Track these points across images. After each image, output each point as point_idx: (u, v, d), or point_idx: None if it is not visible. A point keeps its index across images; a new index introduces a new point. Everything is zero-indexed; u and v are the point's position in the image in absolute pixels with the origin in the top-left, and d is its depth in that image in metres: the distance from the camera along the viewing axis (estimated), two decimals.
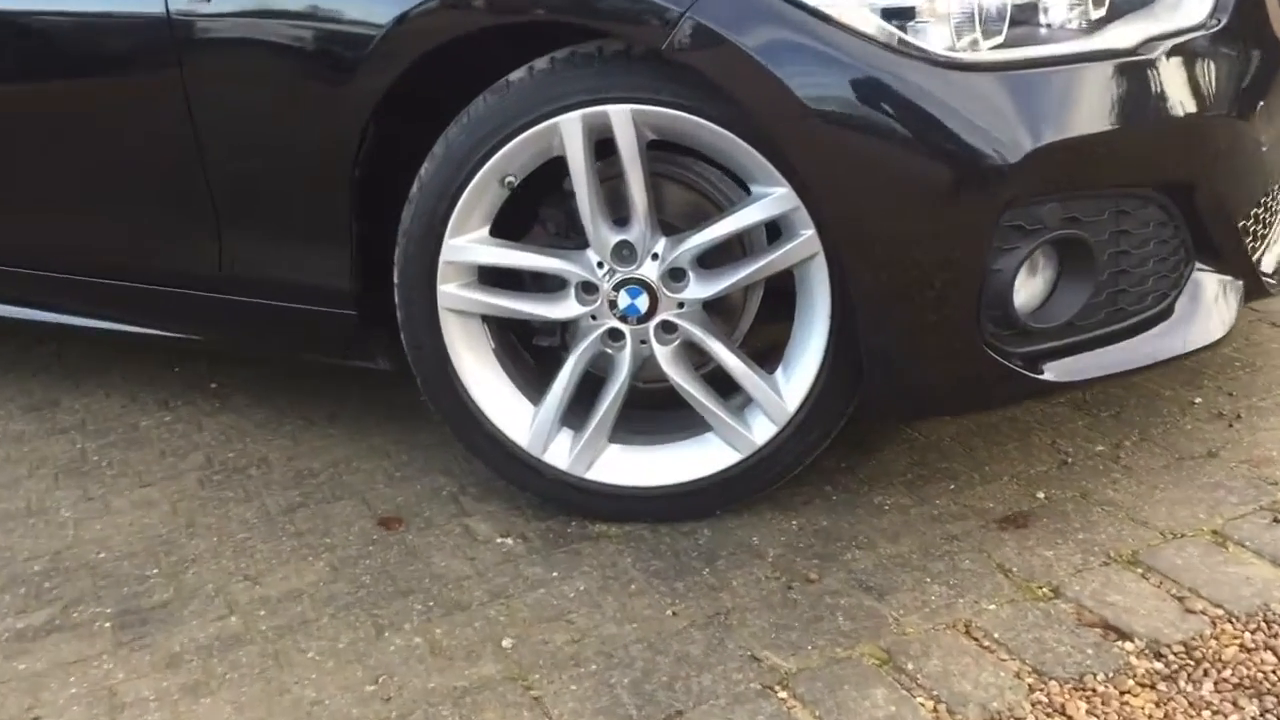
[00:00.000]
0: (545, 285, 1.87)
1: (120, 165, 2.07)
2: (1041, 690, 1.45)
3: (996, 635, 1.55)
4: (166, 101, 1.92)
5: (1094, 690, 1.44)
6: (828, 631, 1.59)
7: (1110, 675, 1.47)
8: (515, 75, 1.73)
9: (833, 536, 1.80)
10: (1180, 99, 1.64)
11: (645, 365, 1.82)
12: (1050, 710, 1.42)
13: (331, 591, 1.76)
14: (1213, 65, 1.68)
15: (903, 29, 1.55)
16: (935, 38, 1.55)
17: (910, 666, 1.51)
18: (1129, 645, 1.51)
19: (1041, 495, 1.85)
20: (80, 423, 2.33)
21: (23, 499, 2.08)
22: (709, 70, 1.58)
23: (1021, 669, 1.49)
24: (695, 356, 1.83)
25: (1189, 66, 1.65)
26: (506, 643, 1.63)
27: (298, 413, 2.31)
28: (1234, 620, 1.54)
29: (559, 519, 1.89)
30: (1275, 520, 1.73)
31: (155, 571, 1.84)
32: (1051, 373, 1.66)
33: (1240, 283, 1.82)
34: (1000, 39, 1.58)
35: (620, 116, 1.68)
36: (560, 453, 1.86)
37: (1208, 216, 1.72)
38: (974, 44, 1.55)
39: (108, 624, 1.73)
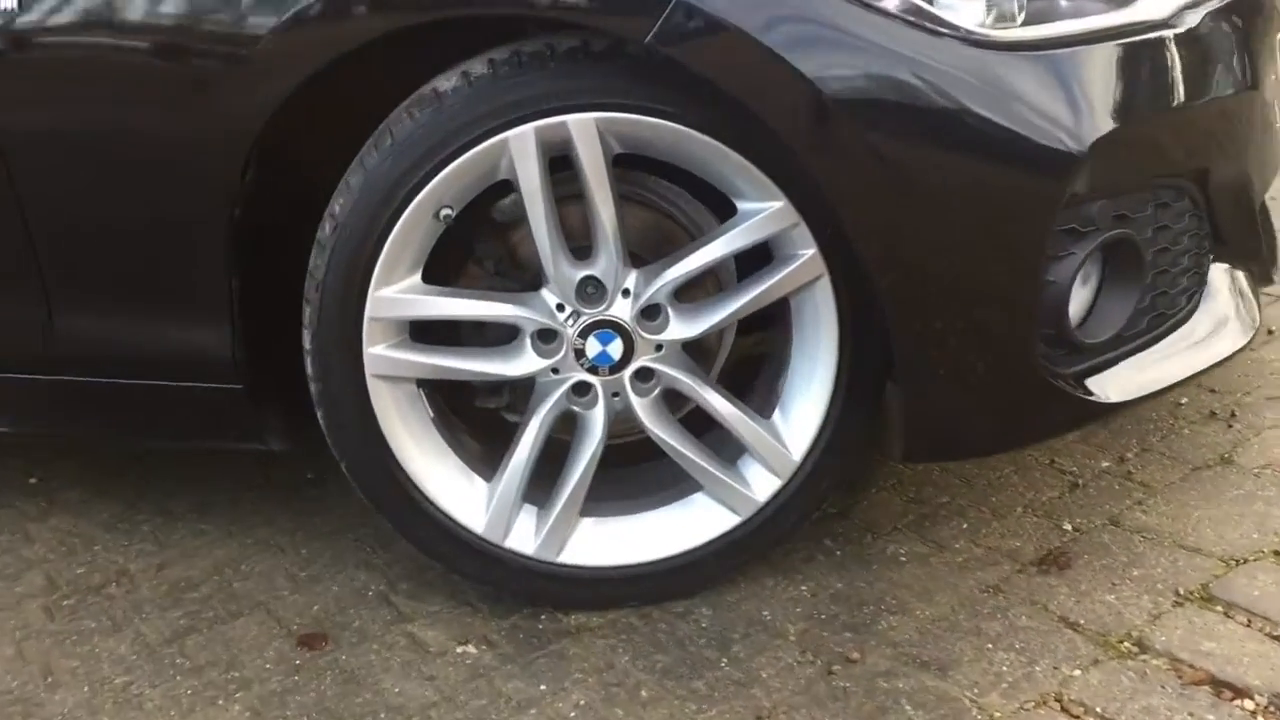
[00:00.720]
0: (489, 336, 1.55)
1: None
2: None
3: (1098, 709, 1.32)
4: None
5: None
6: None
7: None
8: (445, 84, 1.40)
9: (855, 601, 1.54)
10: (1219, 72, 1.45)
11: (616, 420, 1.53)
12: None
13: None
14: (1236, 35, 1.50)
15: (930, 3, 1.30)
16: (967, 14, 1.31)
17: None
18: (1249, 704, 1.31)
19: (1069, 527, 1.64)
20: None
21: None
22: (704, 64, 1.29)
23: None
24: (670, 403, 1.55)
25: (1221, 36, 1.46)
26: None
27: (153, 506, 1.90)
28: None
29: (523, 613, 1.58)
30: None
31: None
32: (1105, 393, 1.45)
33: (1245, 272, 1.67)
34: (1022, 15, 1.36)
35: (582, 127, 1.37)
36: (525, 536, 1.54)
37: (1231, 202, 1.55)
38: (1007, 19, 1.32)
39: None
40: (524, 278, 1.53)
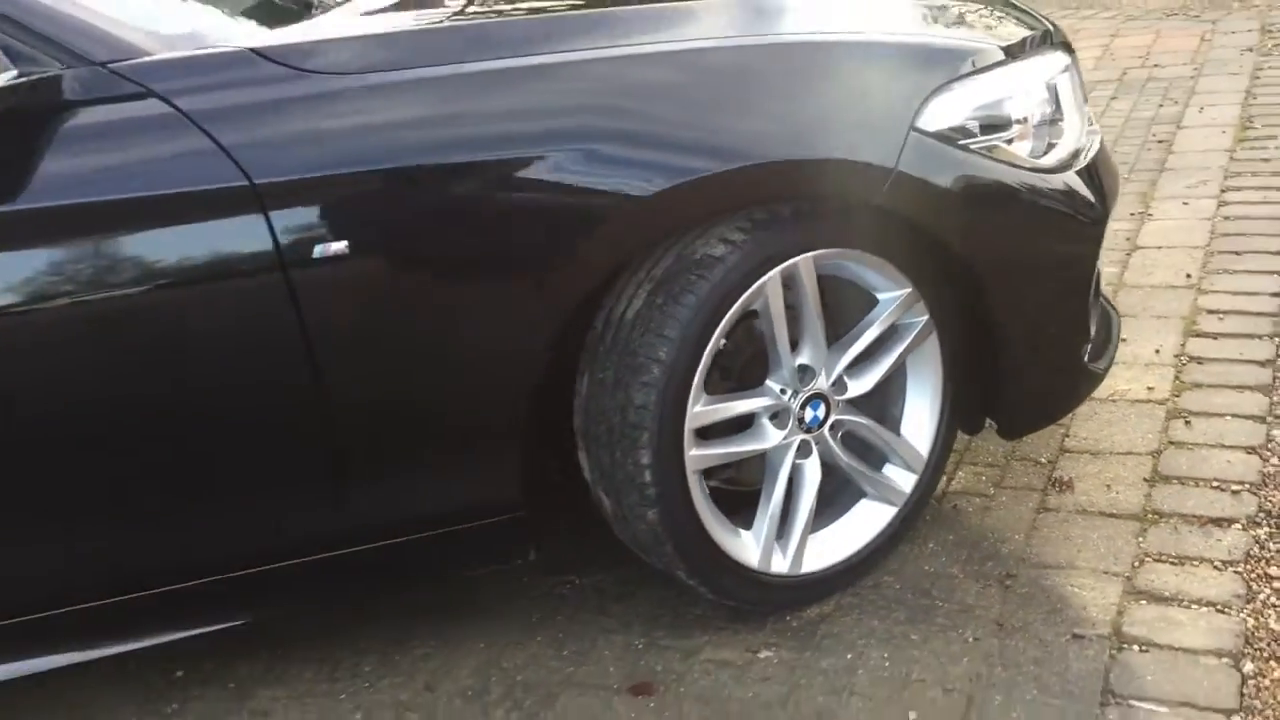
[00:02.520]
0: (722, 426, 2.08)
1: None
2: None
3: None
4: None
5: None
6: None
7: None
8: (714, 250, 1.92)
9: (971, 544, 2.27)
10: None
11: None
12: None
13: None
14: None
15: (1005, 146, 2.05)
16: (1022, 151, 2.07)
17: None
18: None
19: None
20: None
21: None
22: (908, 209, 1.95)
23: None
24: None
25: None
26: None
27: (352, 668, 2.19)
28: None
29: (773, 620, 2.13)
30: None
31: None
32: (1099, 366, 2.29)
33: None
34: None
35: (806, 264, 1.97)
36: (778, 562, 2.10)
37: None
38: (1038, 155, 2.10)
39: None
40: (744, 378, 2.07)
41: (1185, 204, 3.72)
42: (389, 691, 2.08)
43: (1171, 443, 2.50)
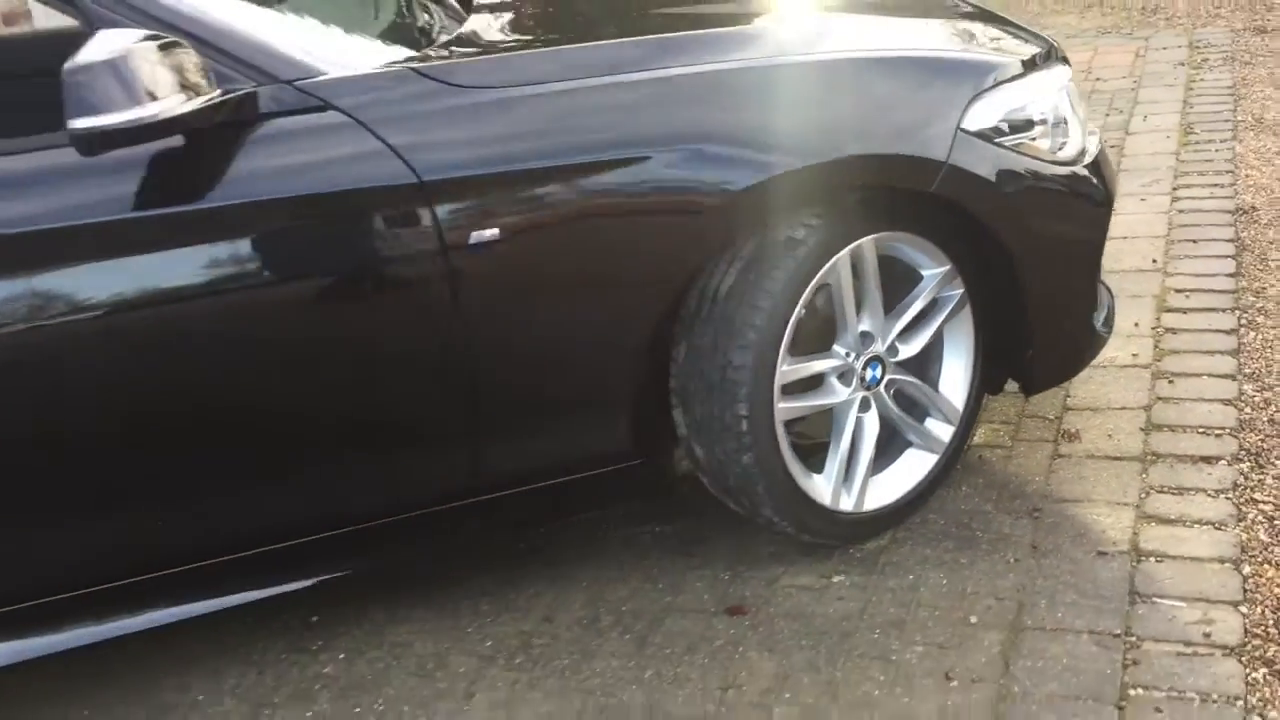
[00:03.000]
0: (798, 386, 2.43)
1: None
2: None
3: None
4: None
5: None
6: None
7: None
8: (795, 232, 2.27)
9: (996, 483, 2.64)
10: None
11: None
12: None
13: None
14: None
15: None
16: (1045, 147, 2.46)
17: None
18: None
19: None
20: None
21: None
22: (957, 196, 2.32)
23: None
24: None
25: None
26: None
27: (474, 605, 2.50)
28: None
29: (836, 552, 2.48)
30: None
31: None
32: (1102, 330, 2.68)
33: None
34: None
35: (869, 244, 2.34)
36: (845, 501, 2.45)
37: None
38: (1055, 150, 2.49)
39: None
40: (813, 344, 2.42)
41: (1143, 200, 4.15)
42: (511, 624, 2.40)
43: (1159, 399, 2.90)
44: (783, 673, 2.17)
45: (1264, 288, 3.41)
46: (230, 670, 2.35)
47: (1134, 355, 3.10)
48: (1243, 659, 2.06)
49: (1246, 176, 4.27)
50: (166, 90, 1.86)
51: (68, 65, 1.79)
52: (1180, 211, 4.02)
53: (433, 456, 2.24)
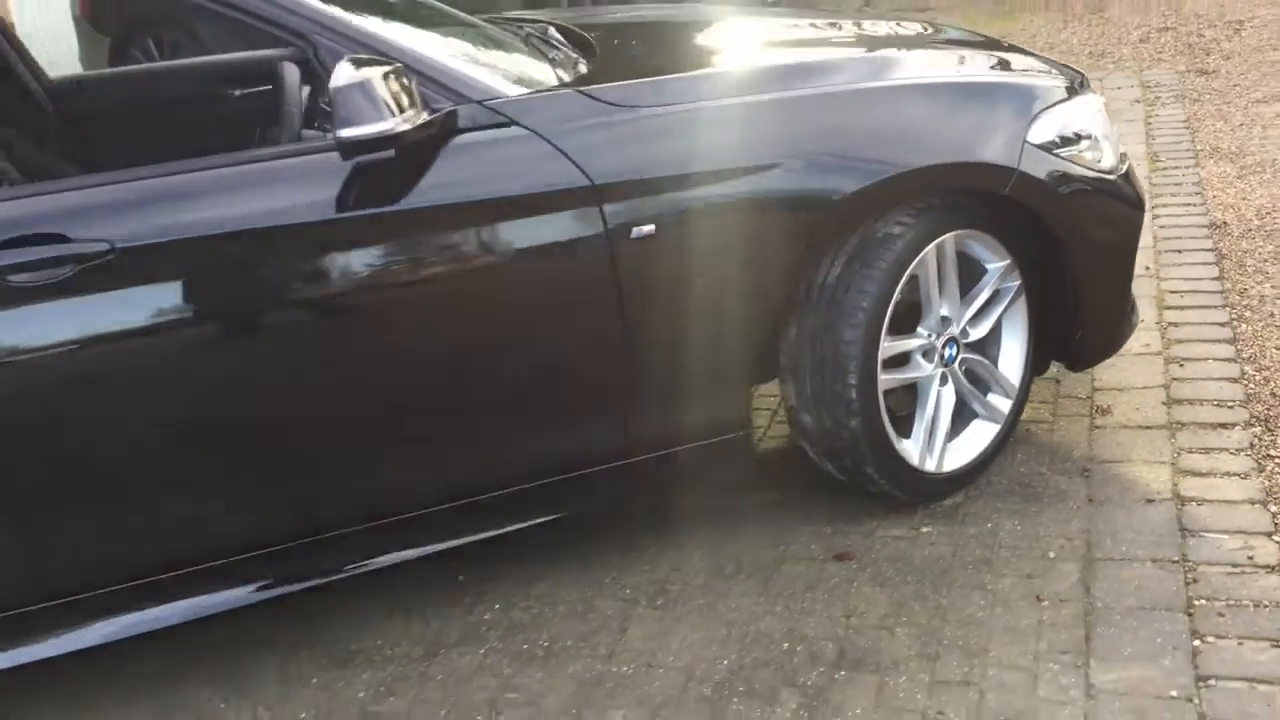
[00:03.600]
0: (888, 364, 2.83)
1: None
2: None
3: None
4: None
5: None
6: None
7: None
8: (891, 229, 2.68)
9: (1048, 452, 3.06)
10: None
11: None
12: None
13: None
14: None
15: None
16: (1091, 159, 2.89)
17: None
18: None
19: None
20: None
21: None
22: (1024, 199, 2.74)
23: None
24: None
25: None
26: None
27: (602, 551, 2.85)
28: None
29: (920, 508, 2.87)
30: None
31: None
32: (1136, 317, 3.11)
33: None
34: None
35: (950, 240, 2.75)
36: (930, 462, 2.85)
37: None
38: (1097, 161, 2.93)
39: None
40: (902, 325, 2.82)
41: None
42: (644, 574, 2.75)
43: (1174, 379, 3.34)
44: (896, 601, 2.56)
45: (1246, 289, 3.89)
46: (395, 623, 2.67)
47: (1146, 345, 3.54)
48: None
49: (1214, 197, 4.77)
50: (397, 107, 2.23)
51: (333, 85, 2.15)
52: (1161, 227, 4.50)
53: (591, 422, 2.59)
